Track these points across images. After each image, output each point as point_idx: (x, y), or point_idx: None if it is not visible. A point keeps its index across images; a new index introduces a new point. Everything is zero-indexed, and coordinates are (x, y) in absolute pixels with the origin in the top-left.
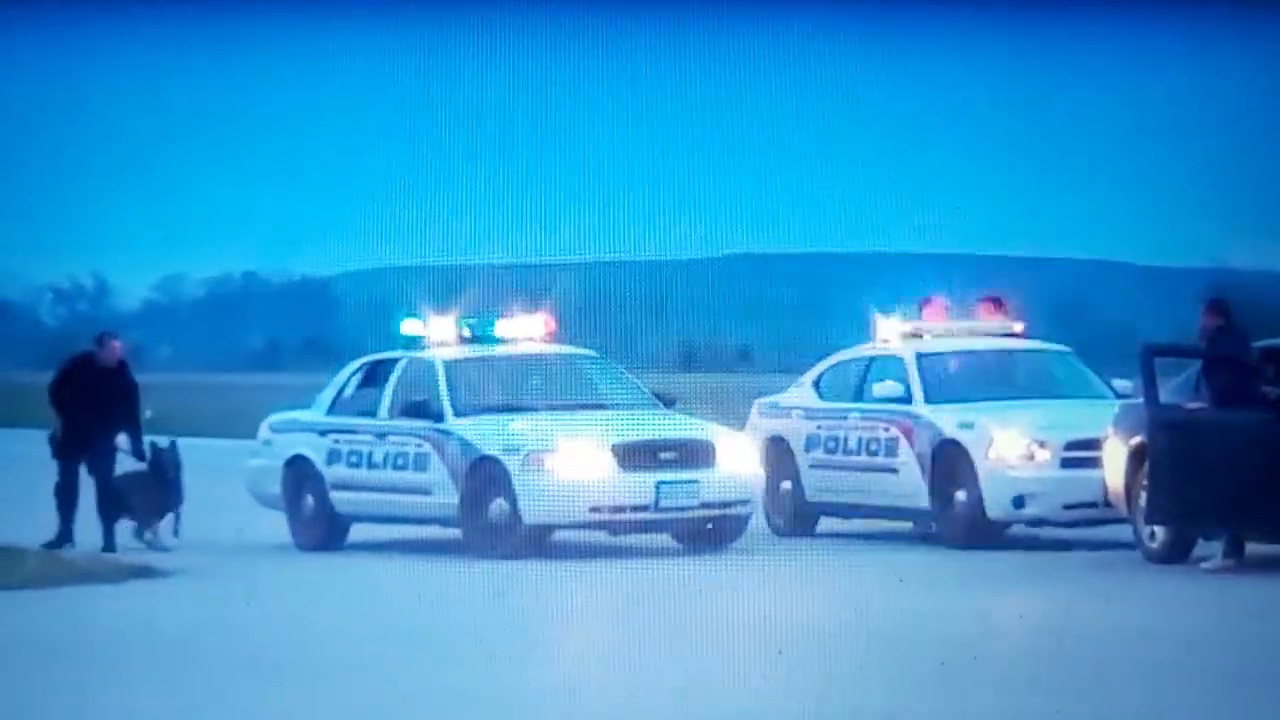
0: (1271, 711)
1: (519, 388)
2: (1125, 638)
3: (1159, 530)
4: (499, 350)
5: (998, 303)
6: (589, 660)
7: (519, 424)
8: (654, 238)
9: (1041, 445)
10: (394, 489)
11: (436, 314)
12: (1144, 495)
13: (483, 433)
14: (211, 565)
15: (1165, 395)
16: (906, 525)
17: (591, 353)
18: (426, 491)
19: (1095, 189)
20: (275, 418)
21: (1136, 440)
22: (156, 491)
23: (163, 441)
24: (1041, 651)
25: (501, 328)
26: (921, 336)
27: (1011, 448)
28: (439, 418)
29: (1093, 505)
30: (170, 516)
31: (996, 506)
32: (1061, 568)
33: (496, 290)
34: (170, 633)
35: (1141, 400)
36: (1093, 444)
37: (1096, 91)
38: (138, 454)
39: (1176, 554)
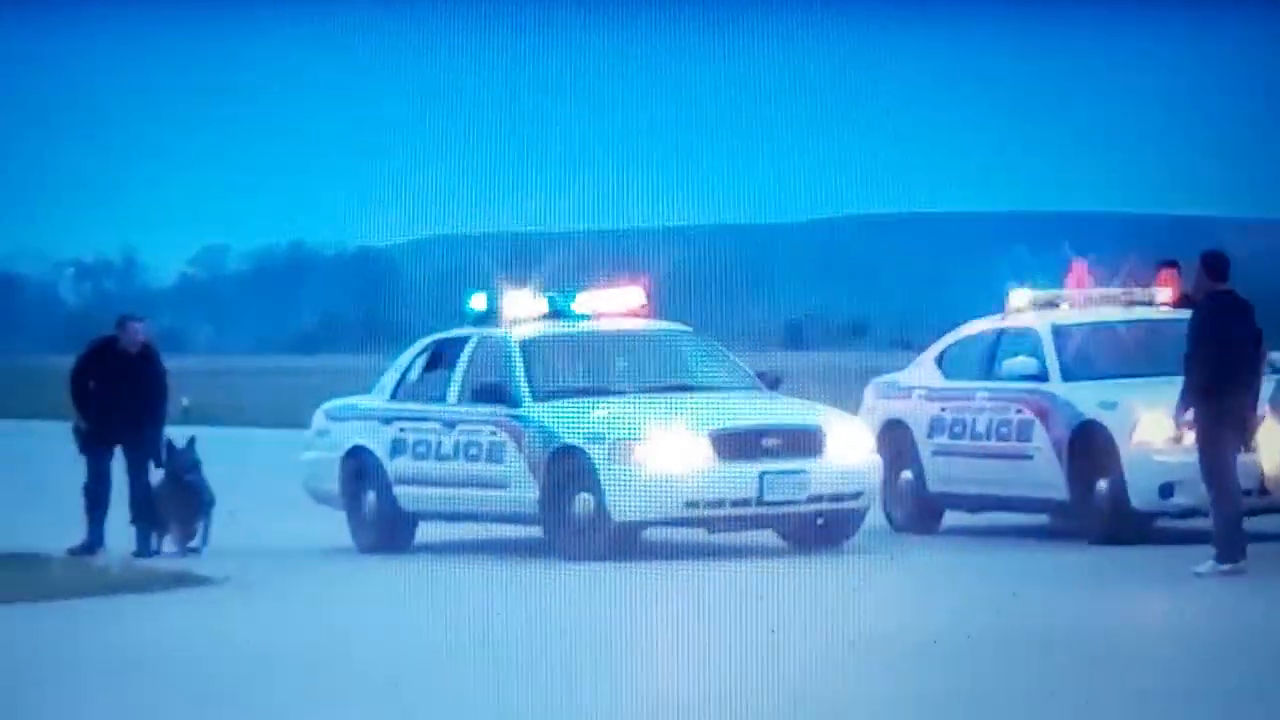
0: None
1: (604, 369)
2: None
3: None
4: (581, 327)
5: (1177, 269)
6: (684, 674)
7: (605, 409)
8: (754, 199)
9: (1192, 427)
10: (465, 483)
11: (511, 287)
12: None
13: (564, 419)
14: (261, 572)
15: None
16: (1041, 519)
17: (685, 328)
18: (502, 485)
19: (1251, 141)
20: (331, 405)
21: None
22: (171, 499)
23: (180, 439)
24: (1195, 660)
25: (584, 302)
26: (1058, 306)
27: (1158, 430)
28: (515, 403)
29: (1248, 493)
30: (202, 525)
31: (1141, 496)
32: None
33: (578, 260)
34: (212, 649)
35: None
36: None
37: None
38: (154, 455)
39: None
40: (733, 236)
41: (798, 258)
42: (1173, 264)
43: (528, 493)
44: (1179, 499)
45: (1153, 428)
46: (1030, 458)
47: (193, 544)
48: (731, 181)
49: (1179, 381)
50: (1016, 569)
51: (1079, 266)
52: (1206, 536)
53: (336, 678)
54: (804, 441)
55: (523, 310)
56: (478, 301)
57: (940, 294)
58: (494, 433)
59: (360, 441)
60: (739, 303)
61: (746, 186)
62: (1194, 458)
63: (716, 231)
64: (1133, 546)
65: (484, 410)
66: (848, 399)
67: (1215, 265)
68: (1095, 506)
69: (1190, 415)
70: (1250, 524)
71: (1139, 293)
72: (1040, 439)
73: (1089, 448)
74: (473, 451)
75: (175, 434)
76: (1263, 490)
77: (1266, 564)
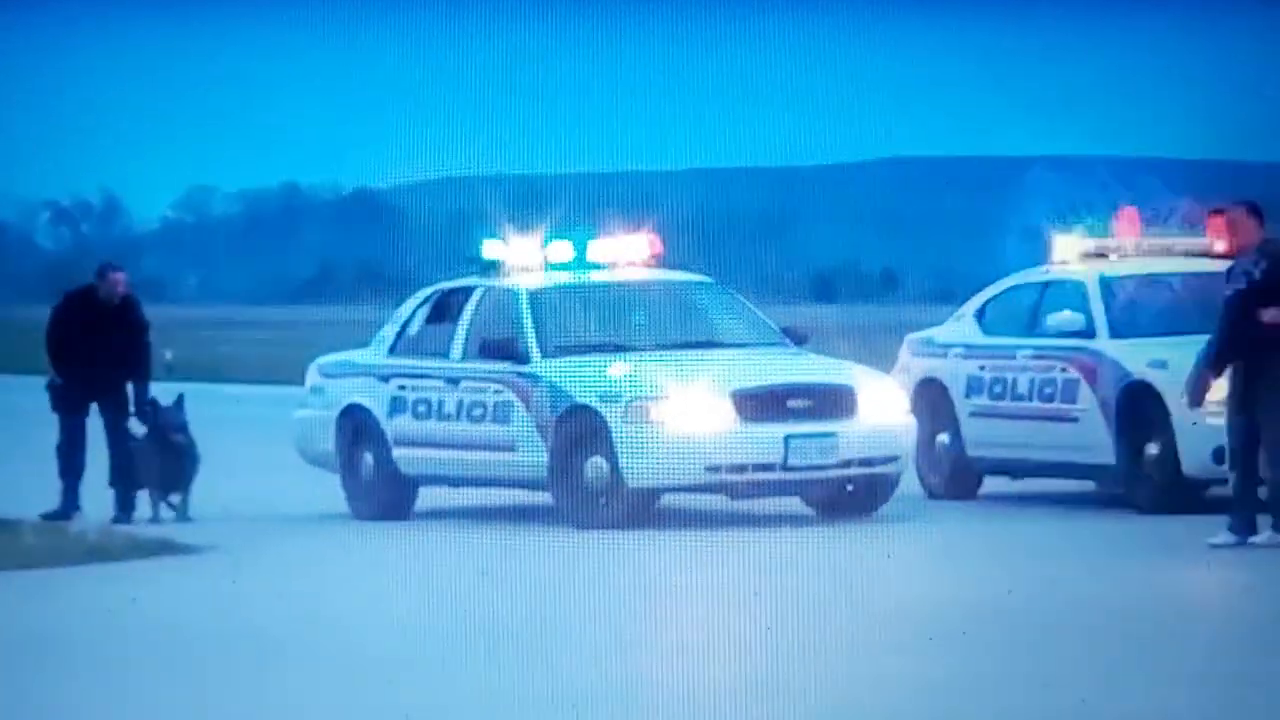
0: None
1: (620, 322)
2: None
3: None
4: (595, 277)
5: (1256, 213)
6: (702, 649)
7: (620, 367)
8: (779, 139)
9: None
10: (470, 445)
11: (519, 233)
12: None
13: (576, 377)
14: (249, 540)
15: None
16: (1087, 486)
17: (707, 279)
18: (509, 448)
19: None
20: (326, 360)
21: None
22: (157, 460)
23: (166, 397)
24: (1258, 638)
25: (598, 250)
26: (1107, 256)
27: (1213, 390)
28: (523, 359)
29: None
30: (182, 490)
31: (1194, 461)
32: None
33: (592, 204)
34: (197, 620)
35: None
36: None
37: None
38: (140, 412)
39: None
40: (756, 180)
41: (827, 203)
42: (1224, 211)
43: (536, 456)
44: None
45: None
46: (1075, 420)
47: (175, 509)
48: (755, 120)
49: None
50: (1060, 540)
51: (1129, 213)
52: (1262, 505)
53: (329, 653)
54: (833, 402)
55: (532, 259)
56: (485, 249)
57: (981, 243)
58: (500, 391)
59: (357, 400)
60: (763, 252)
61: (771, 126)
62: None
63: (738, 175)
64: (1184, 515)
65: (490, 367)
66: (880, 356)
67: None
68: (1144, 473)
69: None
70: None
71: (1194, 242)
72: (1086, 400)
73: (1138, 410)
74: (477, 412)
75: (160, 391)
76: None
77: None
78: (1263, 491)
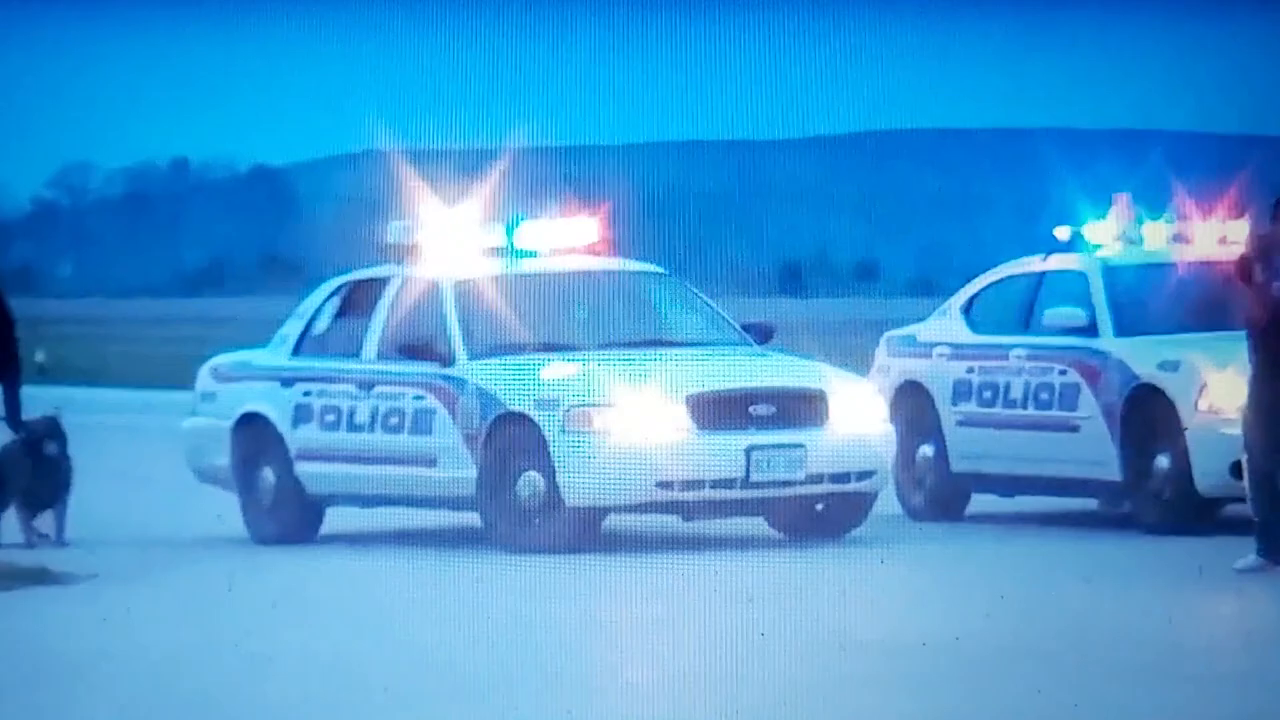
0: None
1: (558, 319)
2: None
3: None
4: (530, 266)
5: None
6: (653, 690)
7: (558, 369)
8: (744, 111)
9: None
10: (385, 459)
11: (443, 216)
12: None
13: (507, 381)
14: (131, 567)
15: None
16: (1089, 504)
17: (658, 270)
18: (430, 462)
19: None
20: (220, 361)
21: None
22: (27, 473)
23: (39, 405)
24: (1273, 673)
25: (534, 235)
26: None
27: (1230, 395)
28: (447, 360)
29: None
30: (55, 510)
31: (1208, 476)
32: None
33: (527, 183)
34: (68, 658)
35: None
36: None
37: None
38: (11, 419)
39: None
40: (716, 157)
41: (795, 184)
42: None
43: (462, 471)
44: None
45: (1223, 393)
46: (1076, 429)
47: (46, 532)
48: (714, 89)
49: None
50: (1057, 564)
51: (1123, 200)
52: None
53: (223, 691)
54: (802, 408)
55: (458, 245)
56: (407, 234)
57: (969, 229)
58: (420, 397)
59: (255, 407)
60: (724, 239)
61: (732, 95)
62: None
63: (695, 150)
64: (1198, 536)
65: (408, 369)
66: (855, 357)
67: None
68: (1153, 488)
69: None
70: None
71: (1210, 227)
72: (1088, 406)
73: (1147, 418)
74: (394, 420)
75: (31, 398)
76: None
77: None
78: None
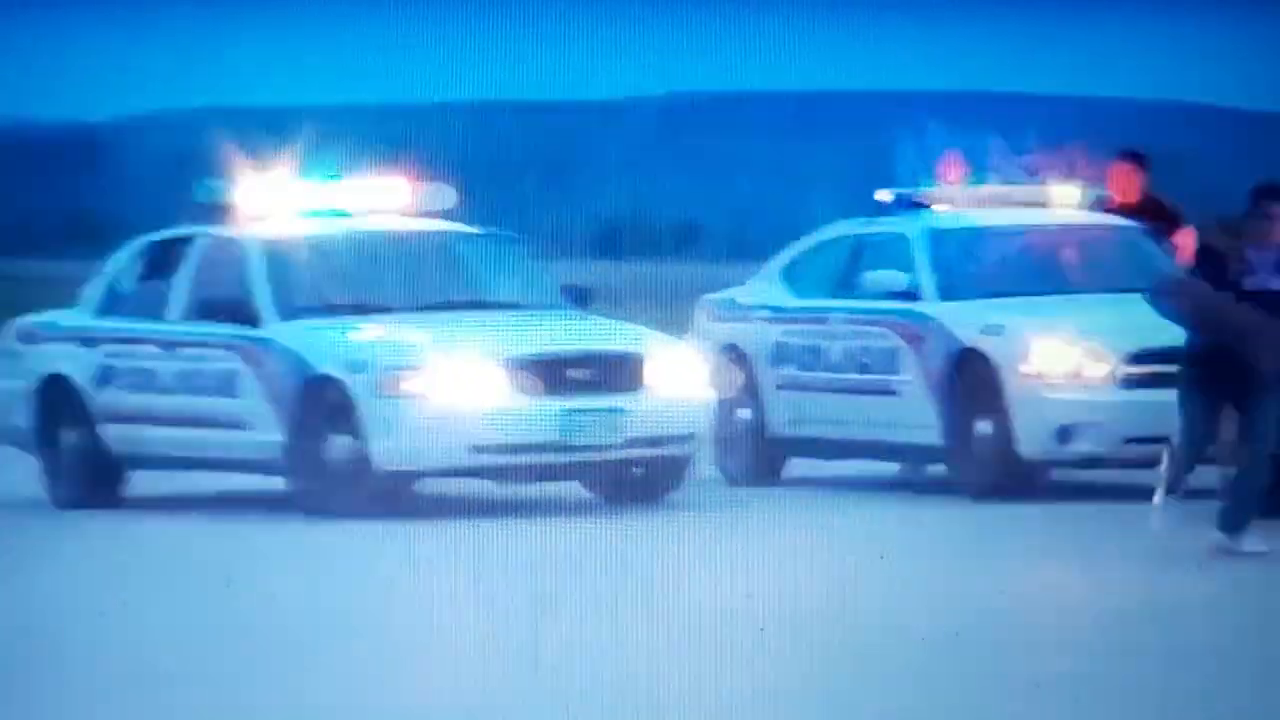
0: None
1: (370, 279)
2: (1213, 620)
3: None
4: (341, 226)
5: (1138, 160)
6: (466, 659)
7: (369, 330)
8: (563, 70)
9: (1097, 357)
10: (190, 421)
11: (251, 173)
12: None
13: (317, 342)
14: None
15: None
16: (914, 470)
17: (475, 230)
18: (236, 425)
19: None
20: (23, 322)
21: None
22: None
23: None
24: (1097, 639)
25: (346, 194)
26: (930, 206)
27: (1055, 360)
28: (254, 321)
29: (1165, 440)
30: None
31: (1033, 441)
32: (1123, 525)
33: (339, 141)
34: None
35: None
36: (1168, 355)
37: None
38: None
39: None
40: (534, 117)
41: (614, 145)
42: (1138, 155)
43: (270, 435)
44: (1079, 445)
45: (1048, 357)
46: (896, 393)
47: None
48: (531, 46)
49: (1083, 301)
50: (878, 531)
51: (953, 159)
52: (1115, 491)
53: (17, 664)
54: (620, 372)
55: (265, 203)
56: (215, 191)
57: (792, 193)
58: (227, 358)
59: (58, 368)
60: (542, 200)
61: (551, 53)
62: (1099, 395)
63: (513, 110)
64: (1023, 502)
65: (215, 330)
66: (674, 321)
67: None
68: (976, 453)
69: None
70: None
71: (1036, 190)
72: (910, 371)
73: (970, 382)
74: (200, 382)
75: None
76: None
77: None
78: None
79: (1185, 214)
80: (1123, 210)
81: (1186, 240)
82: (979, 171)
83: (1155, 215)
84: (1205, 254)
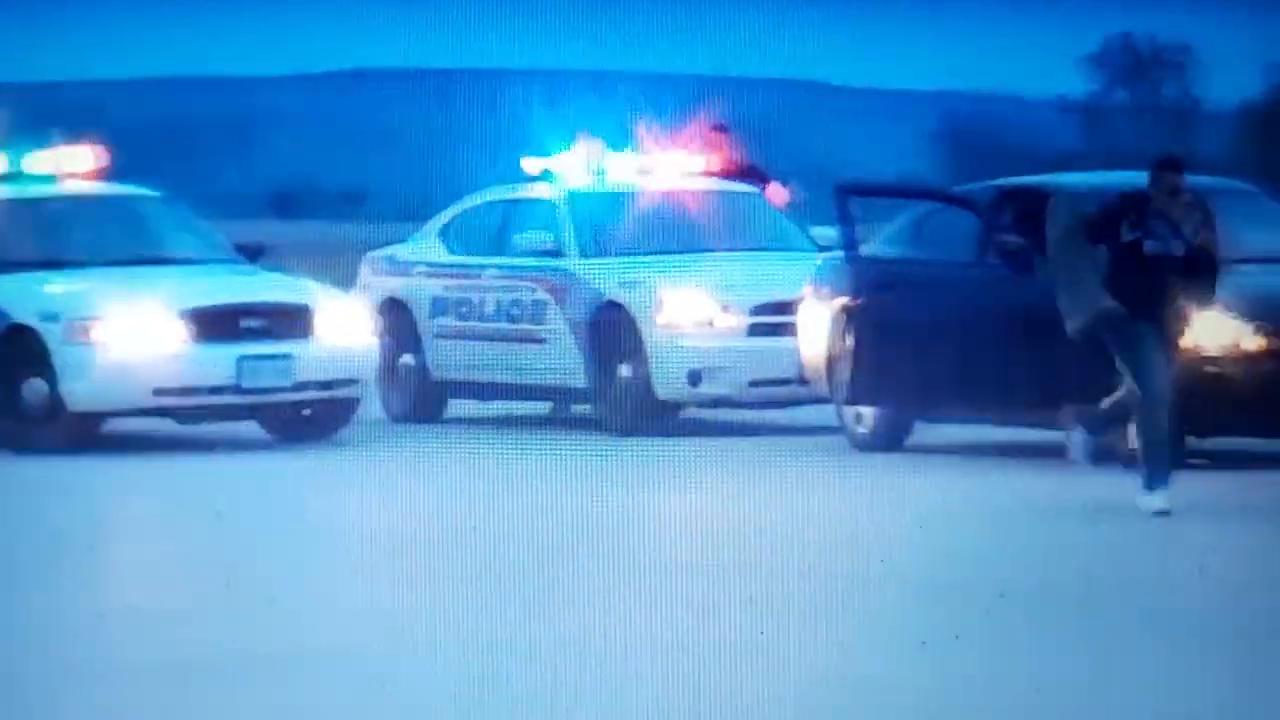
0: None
1: (59, 238)
2: (832, 542)
3: (865, 412)
4: (31, 191)
5: (724, 130)
6: (145, 586)
7: (58, 285)
8: (240, 47)
9: (724, 309)
10: None
11: None
12: (846, 370)
13: (12, 295)
14: None
15: (876, 247)
16: (568, 407)
17: (154, 193)
18: None
19: None
20: None
21: (839, 303)
22: None
23: None
24: (722, 556)
25: (35, 161)
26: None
27: (686, 311)
28: None
29: (786, 382)
30: None
31: (667, 384)
32: (747, 457)
33: (28, 114)
34: None
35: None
36: (787, 307)
37: None
38: None
39: (888, 440)
40: (211, 90)
41: (285, 115)
42: (722, 127)
43: None
44: (707, 387)
45: (679, 309)
46: (544, 341)
47: None
48: (208, 24)
49: (713, 259)
50: (533, 466)
51: (588, 136)
52: (745, 429)
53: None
54: (289, 322)
55: None
56: None
57: (453, 158)
58: None
59: None
60: (218, 165)
61: (228, 30)
62: (725, 343)
63: (192, 84)
64: (661, 438)
65: None
66: (341, 276)
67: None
68: (617, 395)
69: None
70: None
71: (671, 159)
72: (556, 321)
73: (610, 332)
74: None
75: None
76: (802, 380)
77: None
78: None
79: (769, 172)
80: (725, 174)
81: (778, 194)
82: (620, 144)
83: (747, 175)
84: (1106, 218)
